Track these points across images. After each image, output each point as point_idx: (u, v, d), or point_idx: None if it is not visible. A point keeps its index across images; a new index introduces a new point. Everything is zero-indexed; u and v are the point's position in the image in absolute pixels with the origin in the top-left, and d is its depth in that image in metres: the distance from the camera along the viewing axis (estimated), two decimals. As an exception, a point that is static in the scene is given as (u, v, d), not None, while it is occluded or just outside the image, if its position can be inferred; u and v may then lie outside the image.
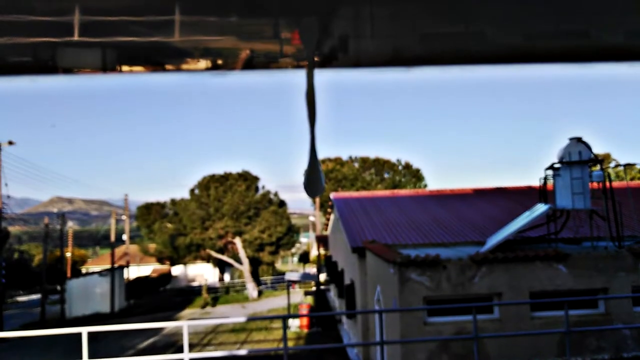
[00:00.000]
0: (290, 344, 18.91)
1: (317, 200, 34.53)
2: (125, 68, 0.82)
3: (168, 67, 0.82)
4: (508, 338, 9.03)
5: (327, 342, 18.32)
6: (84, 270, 47.93)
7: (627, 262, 9.68)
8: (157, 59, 0.81)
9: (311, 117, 0.83)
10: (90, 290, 33.46)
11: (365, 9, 0.70)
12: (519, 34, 0.78)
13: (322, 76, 0.84)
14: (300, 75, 0.81)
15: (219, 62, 0.81)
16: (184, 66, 0.82)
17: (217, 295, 38.89)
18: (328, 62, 0.82)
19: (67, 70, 0.82)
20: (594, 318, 9.54)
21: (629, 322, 9.43)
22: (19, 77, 0.83)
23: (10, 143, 26.04)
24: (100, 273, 35.14)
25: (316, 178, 0.94)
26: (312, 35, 0.75)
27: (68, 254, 46.52)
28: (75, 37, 0.73)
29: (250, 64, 0.82)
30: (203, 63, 0.81)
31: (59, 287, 36.36)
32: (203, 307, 33.56)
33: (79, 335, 7.33)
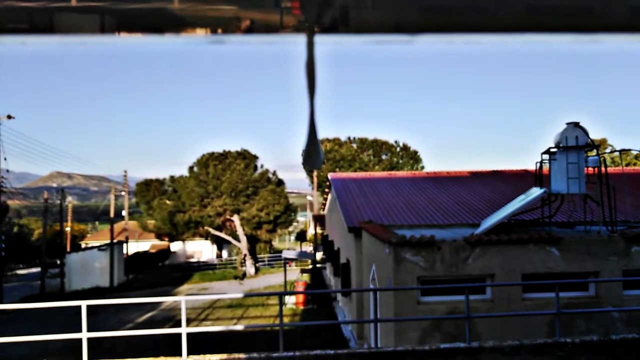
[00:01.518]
0: (286, 320, 19.19)
1: (315, 180, 34.60)
2: (123, 34, 0.81)
3: (167, 34, 0.81)
4: (499, 318, 9.18)
5: (322, 319, 18.58)
6: (83, 245, 48.23)
7: (619, 247, 9.78)
8: (156, 26, 0.80)
9: (311, 88, 0.82)
10: (89, 265, 33.77)
11: None
12: (522, 7, 0.78)
13: (322, 48, 0.82)
14: (300, 47, 0.81)
15: (219, 30, 0.81)
16: (183, 34, 0.81)
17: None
18: (328, 32, 0.81)
19: (65, 37, 0.80)
20: (585, 300, 9.68)
21: (619, 305, 9.56)
22: (15, 43, 0.81)
23: (9, 117, 25.95)
24: (99, 248, 35.41)
25: (315, 151, 0.92)
26: (313, 4, 0.76)
27: (67, 229, 46.75)
28: (73, 2, 0.73)
29: (250, 34, 0.81)
30: (202, 32, 0.81)
31: (58, 261, 36.63)
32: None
33: (79, 308, 7.45)
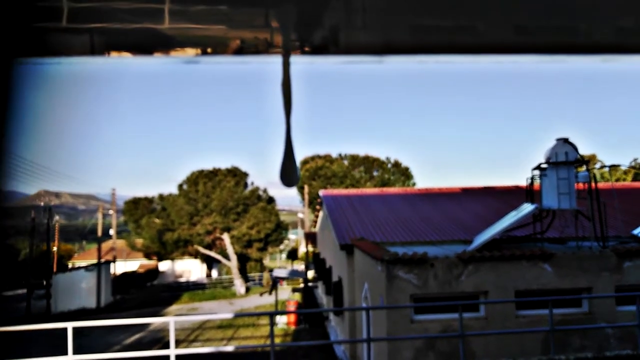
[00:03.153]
0: (277, 340, 18.91)
1: (306, 197, 34.56)
2: (113, 54, 0.81)
3: (156, 54, 0.82)
4: (494, 336, 9.12)
5: (314, 339, 18.36)
6: (70, 265, 47.53)
7: (611, 262, 9.82)
8: (145, 46, 0.80)
9: (287, 107, 0.83)
10: (76, 285, 33.21)
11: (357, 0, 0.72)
12: (510, 28, 0.79)
13: (314, 67, 0.82)
14: (290, 67, 0.82)
15: (208, 50, 0.81)
16: (173, 54, 0.82)
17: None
18: (319, 52, 0.82)
19: (55, 57, 0.80)
20: (578, 317, 9.67)
21: (612, 322, 9.56)
22: (4, 63, 0.81)
23: (-4, 135, 25.70)
24: (86, 268, 34.89)
25: (292, 168, 0.92)
26: (297, 25, 0.75)
27: (54, 249, 46.09)
28: (64, 23, 0.72)
29: (239, 54, 0.82)
30: (192, 51, 0.81)
31: (44, 282, 36.03)
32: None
33: (64, 330, 7.29)
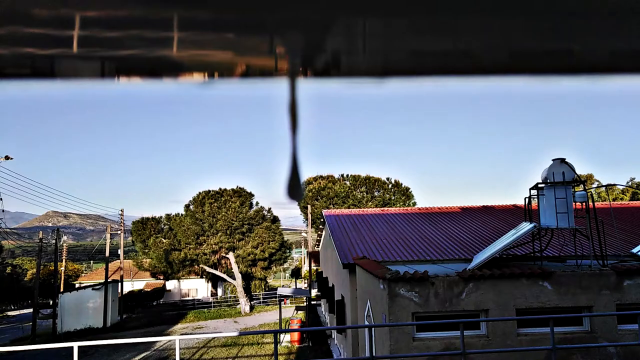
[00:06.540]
0: (281, 358, 18.92)
1: (310, 216, 34.68)
2: (123, 79, 0.84)
3: (165, 79, 0.84)
4: (495, 354, 9.13)
5: (318, 356, 18.34)
6: (77, 285, 47.67)
7: (611, 280, 9.83)
8: (154, 71, 0.83)
9: (293, 126, 0.85)
10: (83, 305, 33.29)
11: (358, 26, 0.75)
12: (505, 51, 0.82)
13: (315, 91, 0.86)
14: (297, 90, 0.84)
15: (215, 75, 0.84)
16: (181, 79, 0.84)
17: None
18: (321, 76, 0.85)
19: (65, 83, 0.82)
20: (579, 335, 9.65)
21: (613, 340, 9.55)
22: (15, 89, 0.83)
23: (7, 158, 26.10)
24: (93, 287, 35.02)
25: (297, 183, 0.95)
26: (301, 50, 0.79)
27: (62, 268, 46.29)
28: (74, 50, 0.75)
29: (245, 77, 0.84)
30: (199, 76, 0.84)
31: (51, 302, 36.10)
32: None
33: (70, 349, 7.42)
